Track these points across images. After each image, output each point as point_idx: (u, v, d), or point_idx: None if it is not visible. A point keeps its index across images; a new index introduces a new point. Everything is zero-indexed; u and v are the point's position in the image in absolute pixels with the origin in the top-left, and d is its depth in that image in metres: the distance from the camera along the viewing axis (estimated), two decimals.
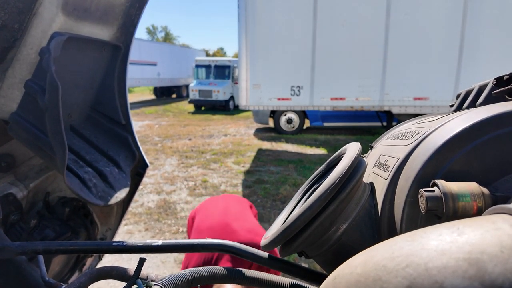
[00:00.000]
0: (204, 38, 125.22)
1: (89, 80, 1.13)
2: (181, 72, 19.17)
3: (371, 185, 0.43)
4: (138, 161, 1.26)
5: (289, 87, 6.09)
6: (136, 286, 0.48)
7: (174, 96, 19.75)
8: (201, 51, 24.03)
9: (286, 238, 0.39)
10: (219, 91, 12.85)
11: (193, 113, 12.60)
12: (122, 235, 3.13)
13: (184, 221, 3.46)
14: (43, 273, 0.71)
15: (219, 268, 0.52)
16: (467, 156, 0.31)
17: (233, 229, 1.13)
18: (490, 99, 0.41)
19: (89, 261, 1.30)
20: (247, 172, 5.01)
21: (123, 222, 1.40)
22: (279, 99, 6.18)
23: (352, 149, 0.42)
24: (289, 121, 7.60)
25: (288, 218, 0.39)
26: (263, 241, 0.44)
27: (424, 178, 0.32)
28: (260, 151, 6.27)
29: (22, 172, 1.08)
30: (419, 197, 0.31)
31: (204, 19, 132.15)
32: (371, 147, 0.56)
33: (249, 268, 0.61)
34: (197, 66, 13.78)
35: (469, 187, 0.29)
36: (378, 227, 0.38)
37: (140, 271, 0.50)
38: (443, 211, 0.28)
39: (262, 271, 0.54)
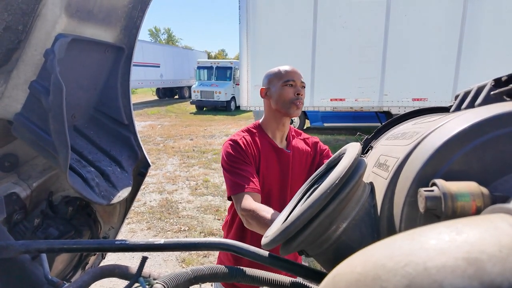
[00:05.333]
0: (206, 40, 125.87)
1: (92, 81, 1.13)
2: (183, 73, 19.24)
3: (371, 184, 0.43)
4: (141, 160, 1.27)
5: None
6: (139, 284, 0.48)
7: (176, 97, 19.82)
8: (203, 53, 24.07)
9: (286, 237, 0.39)
10: (221, 92, 12.89)
11: (195, 113, 12.63)
12: (124, 234, 3.15)
13: (186, 220, 3.47)
14: (46, 271, 0.72)
15: (220, 267, 0.52)
16: (467, 156, 0.31)
17: None
18: (489, 100, 0.41)
19: (92, 259, 1.30)
20: None
21: (126, 221, 1.41)
22: None
23: (352, 149, 0.43)
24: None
25: (289, 218, 0.40)
26: (264, 240, 0.45)
27: (423, 178, 0.32)
28: None
29: (26, 171, 1.09)
30: (418, 196, 0.31)
31: (207, 22, 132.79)
32: (371, 147, 0.57)
33: None
34: (199, 67, 13.86)
35: (468, 187, 0.29)
36: (377, 226, 0.38)
37: (142, 269, 0.51)
38: (442, 211, 0.28)
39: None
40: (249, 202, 0.92)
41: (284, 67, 1.13)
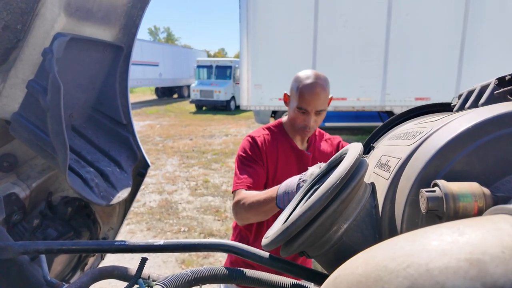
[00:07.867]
0: (205, 39, 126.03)
1: (91, 80, 1.13)
2: (183, 72, 19.23)
3: (372, 185, 0.43)
4: (140, 161, 1.26)
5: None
6: (138, 285, 0.48)
7: (175, 96, 19.82)
8: (202, 51, 24.07)
9: (287, 238, 0.39)
10: (221, 91, 12.87)
11: (195, 113, 12.63)
12: (124, 235, 3.14)
13: (185, 220, 3.47)
14: (45, 272, 0.72)
15: (220, 268, 0.52)
16: (469, 157, 0.31)
17: None
18: (492, 99, 0.40)
19: (91, 260, 1.30)
20: None
21: (125, 221, 1.41)
22: (280, 99, 6.19)
23: (353, 150, 0.42)
24: None
25: (289, 218, 0.39)
26: (264, 241, 0.45)
27: (425, 178, 0.32)
28: None
29: (25, 172, 1.09)
30: (420, 197, 0.30)
31: (206, 20, 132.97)
32: (373, 147, 0.56)
33: None
34: (199, 66, 13.84)
35: (470, 187, 0.29)
36: (379, 227, 0.38)
37: (142, 270, 0.50)
38: (444, 211, 0.28)
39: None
40: (241, 194, 0.94)
41: (306, 85, 0.99)
